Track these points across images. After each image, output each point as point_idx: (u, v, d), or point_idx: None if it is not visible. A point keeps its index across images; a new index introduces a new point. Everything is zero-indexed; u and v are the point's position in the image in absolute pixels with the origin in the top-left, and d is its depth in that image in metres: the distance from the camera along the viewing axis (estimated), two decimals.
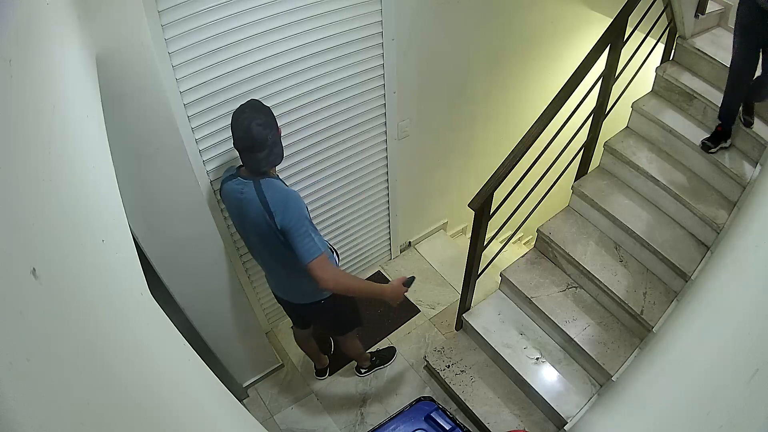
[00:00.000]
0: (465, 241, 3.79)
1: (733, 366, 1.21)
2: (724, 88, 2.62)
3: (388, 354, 3.15)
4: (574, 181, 2.94)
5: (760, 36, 2.31)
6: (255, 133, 1.80)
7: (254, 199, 1.87)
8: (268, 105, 2.28)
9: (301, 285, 2.13)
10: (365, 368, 3.07)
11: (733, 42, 2.44)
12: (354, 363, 3.09)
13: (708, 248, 2.53)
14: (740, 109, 2.62)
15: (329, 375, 3.08)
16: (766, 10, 2.20)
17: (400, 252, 3.69)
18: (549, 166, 2.62)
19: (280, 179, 2.00)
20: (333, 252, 2.22)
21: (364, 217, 3.21)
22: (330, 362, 3.09)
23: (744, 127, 2.63)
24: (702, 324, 1.81)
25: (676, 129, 2.72)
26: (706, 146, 2.64)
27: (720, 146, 2.64)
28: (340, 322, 2.49)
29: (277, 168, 2.54)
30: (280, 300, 2.37)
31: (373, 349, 3.16)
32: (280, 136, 1.93)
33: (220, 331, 2.56)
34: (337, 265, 2.18)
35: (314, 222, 2.91)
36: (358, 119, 2.67)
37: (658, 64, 2.94)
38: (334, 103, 2.51)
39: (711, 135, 2.67)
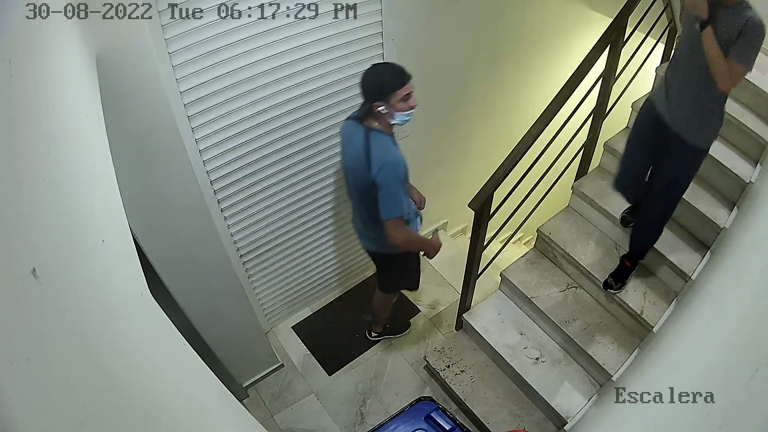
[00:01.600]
0: (465, 241, 3.78)
1: (733, 366, 1.21)
2: None
3: (402, 326, 3.19)
4: (574, 181, 2.94)
5: (654, 149, 2.26)
6: (361, 88, 1.99)
7: (359, 146, 2.02)
8: (268, 105, 2.29)
9: (373, 233, 2.30)
10: (377, 333, 3.09)
11: (626, 149, 2.42)
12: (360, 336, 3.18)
13: (708, 248, 2.53)
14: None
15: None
16: (664, 122, 2.15)
17: None
18: (549, 166, 2.62)
19: (394, 139, 2.11)
20: (417, 216, 2.40)
21: None
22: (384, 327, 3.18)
23: (604, 289, 2.60)
24: (702, 324, 1.81)
25: None
26: (608, 284, 2.60)
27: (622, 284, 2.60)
28: (392, 281, 2.69)
29: (277, 167, 2.55)
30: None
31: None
32: (386, 113, 1.99)
33: (220, 331, 2.56)
34: (417, 228, 2.39)
35: (314, 221, 2.93)
36: None
37: (658, 64, 2.93)
38: (334, 103, 2.50)
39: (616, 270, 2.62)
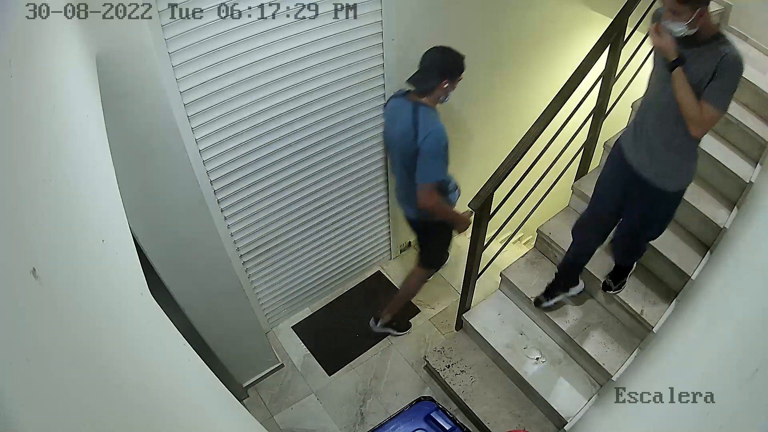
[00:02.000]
0: (465, 241, 3.78)
1: (733, 366, 1.21)
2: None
3: (405, 326, 3.22)
4: (574, 181, 2.94)
5: (622, 195, 2.18)
6: (426, 65, 2.16)
7: (408, 119, 2.20)
8: (268, 105, 2.29)
9: (412, 201, 2.43)
10: (383, 322, 3.10)
11: (594, 193, 2.35)
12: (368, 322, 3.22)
13: (708, 248, 2.53)
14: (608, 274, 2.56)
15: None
16: (632, 168, 2.06)
17: (400, 252, 3.69)
18: (549, 166, 2.62)
19: (437, 114, 2.27)
20: (456, 188, 2.55)
21: (364, 217, 3.20)
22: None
23: (603, 291, 2.60)
24: (702, 324, 1.81)
25: None
26: (538, 301, 2.62)
27: (556, 299, 2.61)
28: (433, 253, 2.80)
29: (277, 167, 2.55)
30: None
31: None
32: (447, 90, 2.21)
33: (220, 331, 2.56)
34: (454, 201, 2.53)
35: (314, 221, 2.93)
36: (358, 119, 2.67)
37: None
38: (334, 103, 2.51)
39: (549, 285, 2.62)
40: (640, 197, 2.12)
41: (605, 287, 2.59)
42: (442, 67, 2.16)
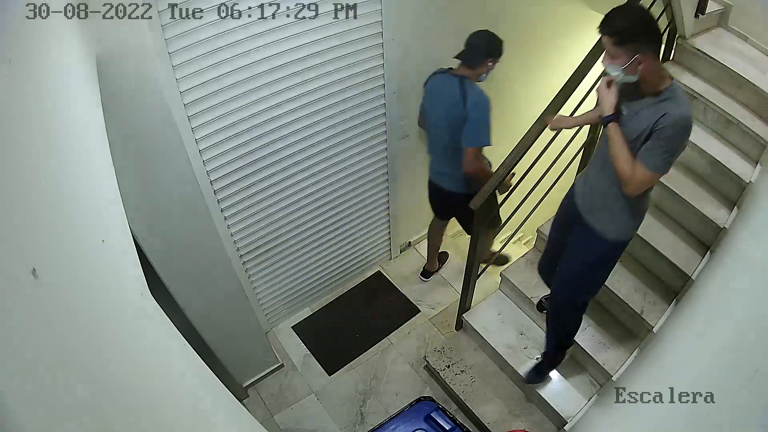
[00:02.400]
0: (465, 241, 3.78)
1: (733, 366, 1.21)
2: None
3: (502, 260, 3.38)
4: (574, 180, 2.94)
5: (568, 235, 2.15)
6: (476, 44, 2.39)
7: (455, 92, 2.41)
8: (268, 105, 2.29)
9: (457, 173, 2.58)
10: (485, 261, 3.11)
11: (550, 235, 2.34)
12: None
13: (708, 248, 2.53)
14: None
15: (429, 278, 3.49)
16: (578, 209, 2.04)
17: (400, 252, 3.69)
18: (549, 166, 2.62)
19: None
20: (489, 165, 2.70)
21: (364, 217, 3.21)
22: (437, 269, 3.51)
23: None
24: (702, 324, 1.81)
25: None
26: (541, 306, 2.59)
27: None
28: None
29: (277, 167, 2.55)
30: (432, 186, 2.84)
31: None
32: (489, 68, 2.45)
33: (220, 331, 2.56)
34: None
35: (314, 221, 2.93)
36: (358, 119, 2.67)
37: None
38: (334, 103, 2.51)
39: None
40: (578, 240, 2.07)
41: (528, 380, 2.60)
42: (490, 48, 2.40)
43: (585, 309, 2.30)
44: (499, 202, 2.76)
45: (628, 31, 1.59)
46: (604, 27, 1.63)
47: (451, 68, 2.50)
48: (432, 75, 2.56)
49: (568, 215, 2.11)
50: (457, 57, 2.43)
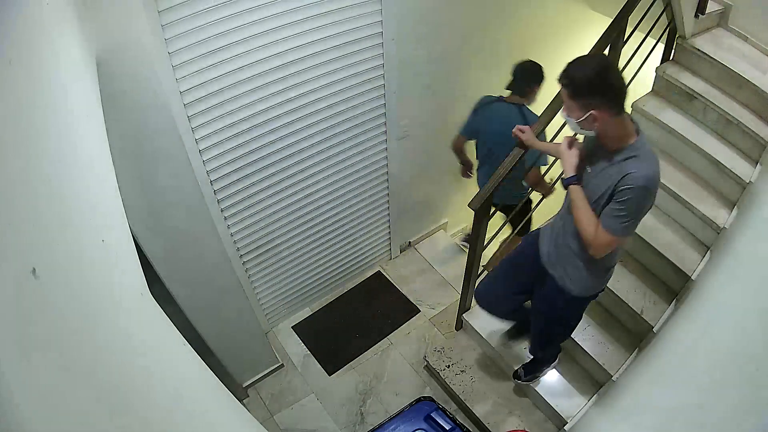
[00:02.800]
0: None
1: (733, 366, 1.21)
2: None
3: None
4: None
5: (528, 280, 2.10)
6: (522, 75, 2.67)
7: (516, 117, 2.63)
8: (268, 105, 2.29)
9: (517, 186, 2.75)
10: None
11: (499, 266, 2.29)
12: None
13: (708, 248, 2.53)
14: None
15: None
16: (541, 261, 2.00)
17: (400, 252, 3.69)
18: (549, 166, 2.62)
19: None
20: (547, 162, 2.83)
21: (364, 217, 3.21)
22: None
23: (513, 378, 2.58)
24: (702, 324, 1.81)
25: (676, 129, 2.71)
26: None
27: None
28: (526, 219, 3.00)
29: (277, 167, 2.55)
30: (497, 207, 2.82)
31: None
32: (536, 93, 2.72)
33: (220, 331, 2.56)
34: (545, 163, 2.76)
35: (314, 221, 2.93)
36: (358, 119, 2.67)
37: (658, 64, 2.93)
38: (334, 103, 2.51)
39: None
40: (542, 294, 2.05)
41: (515, 375, 2.58)
42: (534, 76, 2.68)
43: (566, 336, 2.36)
44: (532, 207, 2.94)
45: (582, 85, 1.47)
46: (560, 77, 1.51)
47: (501, 96, 2.75)
48: (485, 103, 2.77)
49: (529, 260, 2.05)
50: (507, 88, 2.72)
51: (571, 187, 1.67)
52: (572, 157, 1.67)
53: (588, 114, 1.49)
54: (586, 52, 2.35)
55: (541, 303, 2.12)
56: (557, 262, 1.92)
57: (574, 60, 1.50)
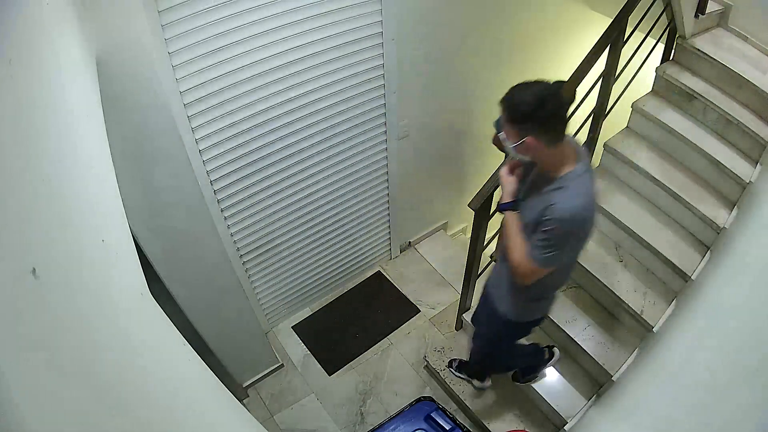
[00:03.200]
0: (465, 241, 3.78)
1: (733, 366, 1.21)
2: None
3: None
4: None
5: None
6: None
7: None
8: (268, 105, 2.29)
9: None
10: None
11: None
12: None
13: (708, 248, 2.53)
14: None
15: None
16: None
17: (400, 252, 3.69)
18: None
19: None
20: None
21: (364, 217, 3.21)
22: None
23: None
24: (702, 324, 1.81)
25: (676, 129, 2.71)
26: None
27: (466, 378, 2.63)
28: None
29: (277, 167, 2.55)
30: None
31: None
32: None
33: (220, 331, 2.56)
34: None
35: (314, 221, 2.94)
36: (358, 119, 2.67)
37: (658, 64, 2.93)
38: (334, 103, 2.51)
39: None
40: (486, 308, 2.08)
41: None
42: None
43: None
44: None
45: (517, 111, 1.42)
46: (501, 99, 1.46)
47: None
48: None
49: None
50: None
51: (506, 214, 1.67)
52: (510, 184, 1.66)
53: (521, 141, 1.45)
54: (586, 52, 2.35)
55: (483, 318, 2.21)
56: (495, 283, 2.00)
57: (518, 84, 1.44)
